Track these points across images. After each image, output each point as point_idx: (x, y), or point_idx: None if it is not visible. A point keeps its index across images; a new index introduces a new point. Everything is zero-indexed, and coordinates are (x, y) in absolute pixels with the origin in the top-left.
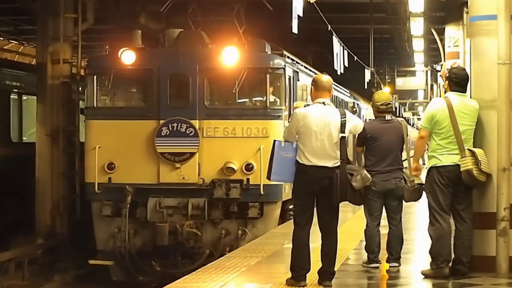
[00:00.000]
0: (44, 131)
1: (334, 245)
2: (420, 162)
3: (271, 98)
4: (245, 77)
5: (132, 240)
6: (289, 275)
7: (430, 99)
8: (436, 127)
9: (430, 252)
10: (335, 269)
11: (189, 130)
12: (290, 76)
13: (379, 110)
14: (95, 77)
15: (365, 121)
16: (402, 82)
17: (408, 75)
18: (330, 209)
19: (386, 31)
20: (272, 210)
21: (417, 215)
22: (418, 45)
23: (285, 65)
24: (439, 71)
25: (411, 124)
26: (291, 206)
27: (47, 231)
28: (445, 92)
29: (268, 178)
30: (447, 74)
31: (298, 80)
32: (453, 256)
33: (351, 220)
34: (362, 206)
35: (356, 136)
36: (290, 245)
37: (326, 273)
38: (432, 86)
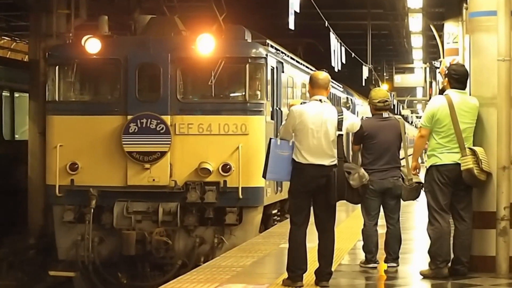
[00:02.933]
0: (37, 128)
1: (331, 245)
2: (419, 160)
3: (251, 91)
4: (222, 67)
5: (96, 249)
6: (286, 275)
7: (429, 97)
8: (436, 125)
9: (429, 252)
10: (332, 269)
11: (159, 127)
12: (273, 67)
13: (376, 108)
14: (57, 68)
15: (362, 118)
16: (400, 79)
17: (406, 72)
18: (327, 208)
19: (384, 27)
20: (253, 215)
21: (415, 214)
22: (417, 41)
23: (267, 55)
24: (438, 68)
25: (410, 122)
26: (274, 211)
27: (39, 230)
28: (441, 90)
29: (264, 177)
30: (447, 71)
31: (283, 72)
32: (452, 256)
33: (348, 220)
34: (359, 205)
35: (353, 134)
36: (287, 245)
37: (323, 273)
38: (431, 83)
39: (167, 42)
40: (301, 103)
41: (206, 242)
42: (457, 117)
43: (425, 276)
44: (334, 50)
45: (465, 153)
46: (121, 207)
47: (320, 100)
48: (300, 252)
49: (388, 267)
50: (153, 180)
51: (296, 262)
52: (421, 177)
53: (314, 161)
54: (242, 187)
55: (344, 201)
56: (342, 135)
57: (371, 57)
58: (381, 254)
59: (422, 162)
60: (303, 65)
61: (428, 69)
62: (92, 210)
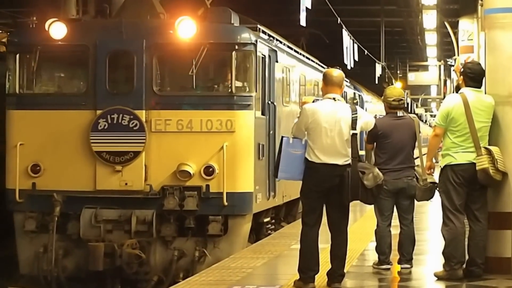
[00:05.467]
0: None
1: (344, 246)
2: (433, 160)
3: (238, 82)
4: (204, 55)
5: (61, 262)
6: (297, 276)
7: (444, 95)
8: (451, 124)
9: (443, 253)
10: (345, 270)
11: (133, 123)
12: (264, 55)
13: (390, 106)
14: (17, 56)
15: (375, 117)
16: (414, 77)
17: (420, 70)
18: (340, 208)
19: (397, 24)
20: (239, 225)
21: (429, 215)
22: (431, 38)
23: (256, 41)
24: (453, 65)
25: (424, 121)
26: (267, 219)
27: None
28: (457, 88)
29: (275, 176)
30: (462, 69)
31: (277, 62)
32: (467, 257)
33: (361, 220)
34: (372, 205)
35: (366, 132)
36: (298, 246)
37: (336, 275)
38: (445, 81)
39: (142, 26)
40: (313, 101)
41: (186, 255)
42: (472, 115)
43: (439, 277)
44: (347, 47)
45: (481, 152)
46: (89, 215)
47: (334, 99)
48: (312, 253)
49: (401, 268)
50: (126, 184)
51: (308, 263)
52: (436, 177)
53: (327, 161)
54: (227, 193)
55: (357, 201)
56: (356, 134)
57: (385, 55)
58: (394, 255)
59: (436, 162)
60: (302, 55)
61: (442, 67)
62: (56, 218)
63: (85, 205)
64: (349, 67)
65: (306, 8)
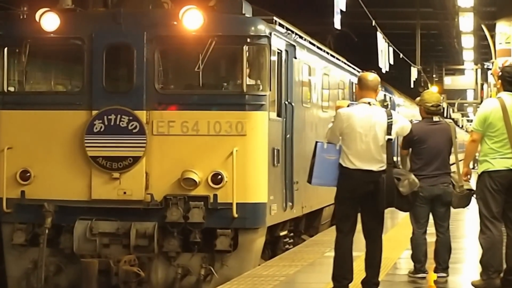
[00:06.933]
0: None
1: (379, 254)
2: (470, 166)
3: (250, 80)
4: (212, 49)
5: (52, 279)
6: (331, 285)
7: (481, 100)
8: (489, 129)
9: (480, 261)
10: (379, 279)
11: (132, 125)
12: (280, 50)
13: (428, 111)
14: (5, 50)
15: (411, 121)
16: (450, 81)
17: (456, 74)
18: (375, 215)
19: (433, 27)
20: (251, 240)
21: (466, 222)
22: (468, 41)
23: (270, 33)
24: (490, 69)
25: (460, 126)
26: (283, 232)
27: None
28: (497, 92)
29: (309, 182)
30: (500, 73)
31: (295, 58)
32: (504, 266)
33: (396, 228)
34: (407, 213)
35: (402, 138)
36: (332, 254)
37: (370, 284)
38: (482, 85)
39: (143, 17)
40: (348, 105)
41: (190, 273)
42: (510, 121)
43: (476, 286)
44: (382, 50)
45: None
46: (84, 227)
47: (369, 103)
48: (346, 261)
49: (437, 277)
50: (124, 193)
51: (341, 272)
52: (472, 183)
53: (362, 166)
54: (237, 203)
55: (392, 208)
56: (391, 139)
57: (420, 58)
58: (430, 264)
59: (473, 168)
60: (326, 52)
61: (479, 70)
62: (47, 231)
63: (79, 216)
64: (384, 71)
65: (341, 10)
